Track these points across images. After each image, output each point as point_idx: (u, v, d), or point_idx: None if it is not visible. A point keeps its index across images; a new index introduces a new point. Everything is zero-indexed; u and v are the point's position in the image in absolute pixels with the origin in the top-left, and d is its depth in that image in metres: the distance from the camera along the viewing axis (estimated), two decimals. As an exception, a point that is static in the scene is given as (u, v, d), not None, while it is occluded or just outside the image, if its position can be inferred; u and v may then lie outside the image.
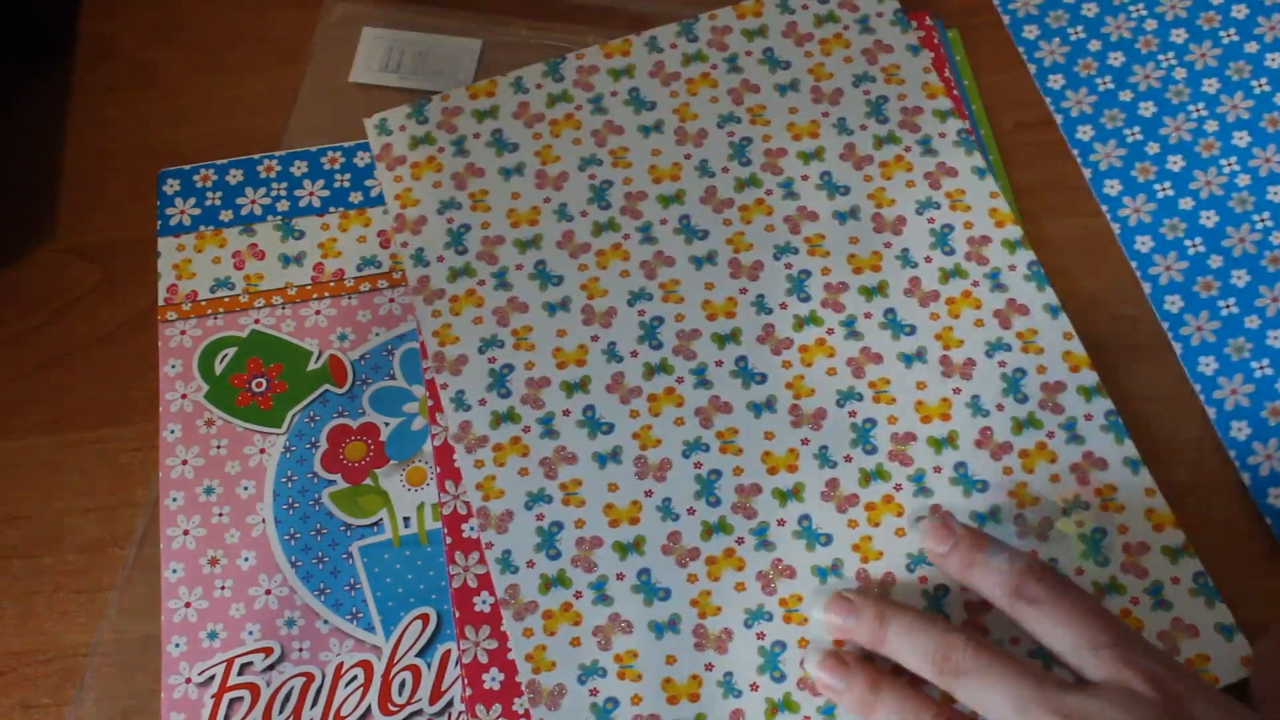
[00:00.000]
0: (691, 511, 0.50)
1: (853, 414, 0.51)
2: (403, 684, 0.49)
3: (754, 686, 0.47)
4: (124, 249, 0.58)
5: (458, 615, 0.49)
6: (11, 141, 0.61)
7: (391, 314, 0.55)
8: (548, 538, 0.50)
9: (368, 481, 0.52)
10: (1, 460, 0.55)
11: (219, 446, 0.53)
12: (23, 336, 0.57)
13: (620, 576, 0.49)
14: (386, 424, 0.53)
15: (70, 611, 0.52)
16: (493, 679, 0.48)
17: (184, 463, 0.53)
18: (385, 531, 0.52)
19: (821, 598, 0.48)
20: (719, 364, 0.52)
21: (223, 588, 0.51)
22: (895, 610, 0.46)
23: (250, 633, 0.50)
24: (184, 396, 0.54)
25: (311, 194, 0.58)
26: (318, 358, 0.55)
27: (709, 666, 0.48)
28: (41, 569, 0.53)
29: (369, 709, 0.49)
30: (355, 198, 0.58)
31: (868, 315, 0.53)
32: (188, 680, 0.49)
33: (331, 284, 0.56)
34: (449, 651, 0.49)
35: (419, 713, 0.49)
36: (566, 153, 0.57)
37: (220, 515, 0.52)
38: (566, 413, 0.52)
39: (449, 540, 0.50)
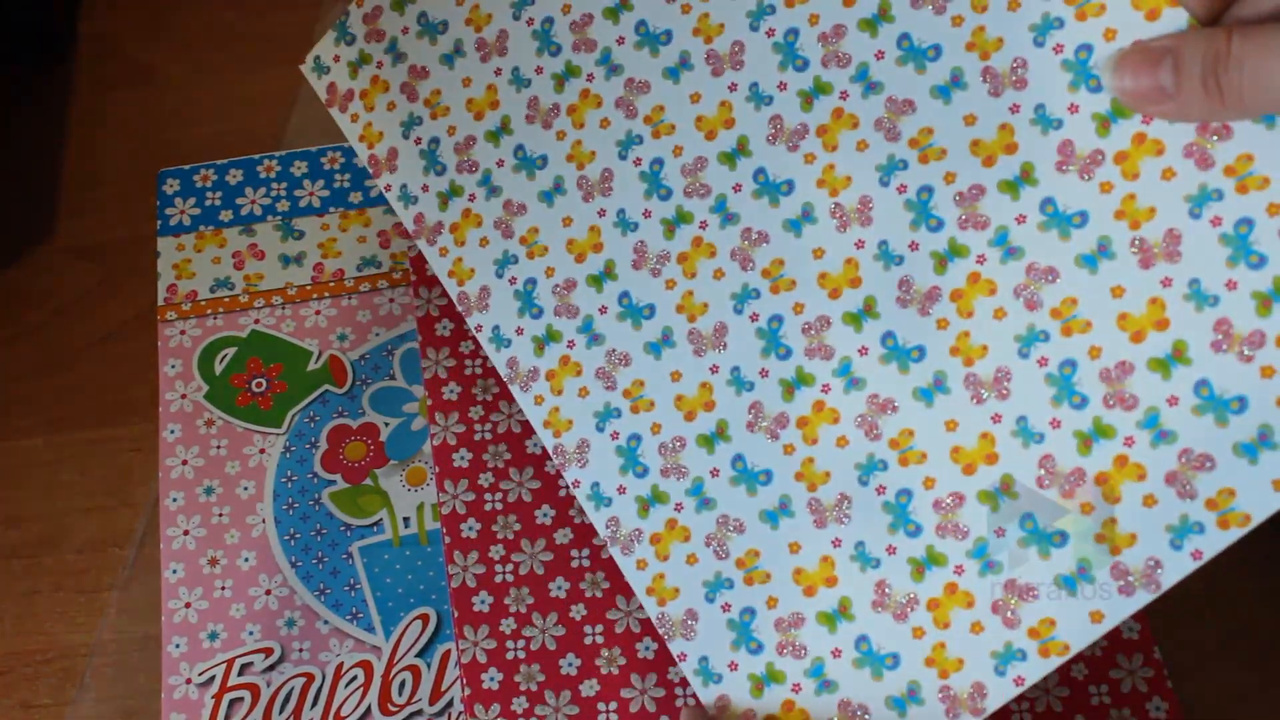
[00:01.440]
0: (765, 374, 0.43)
1: (1043, 362, 0.40)
2: (403, 684, 0.49)
3: (890, 550, 0.41)
4: (124, 249, 0.58)
5: (456, 615, 0.49)
6: (11, 141, 0.61)
7: (391, 314, 0.55)
8: (630, 455, 0.45)
9: (368, 482, 0.52)
10: (1, 460, 0.55)
11: (219, 447, 0.53)
12: (23, 336, 0.57)
13: (715, 473, 0.44)
14: (386, 424, 0.54)
15: (70, 611, 0.52)
16: (491, 679, 0.48)
17: (184, 463, 0.53)
18: (385, 532, 0.52)
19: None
20: (863, 352, 0.42)
21: (223, 588, 0.51)
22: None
23: (250, 633, 0.50)
24: (184, 396, 0.54)
25: (311, 194, 0.58)
26: (318, 358, 0.55)
27: (836, 542, 0.42)
28: (41, 569, 0.53)
29: (369, 709, 0.49)
30: (355, 198, 0.58)
31: (1021, 219, 0.40)
32: (188, 680, 0.49)
33: (331, 284, 0.56)
34: (449, 651, 0.49)
35: (419, 713, 0.49)
36: (599, 143, 0.46)
37: (220, 515, 0.52)
38: (603, 310, 0.46)
39: (448, 540, 0.50)
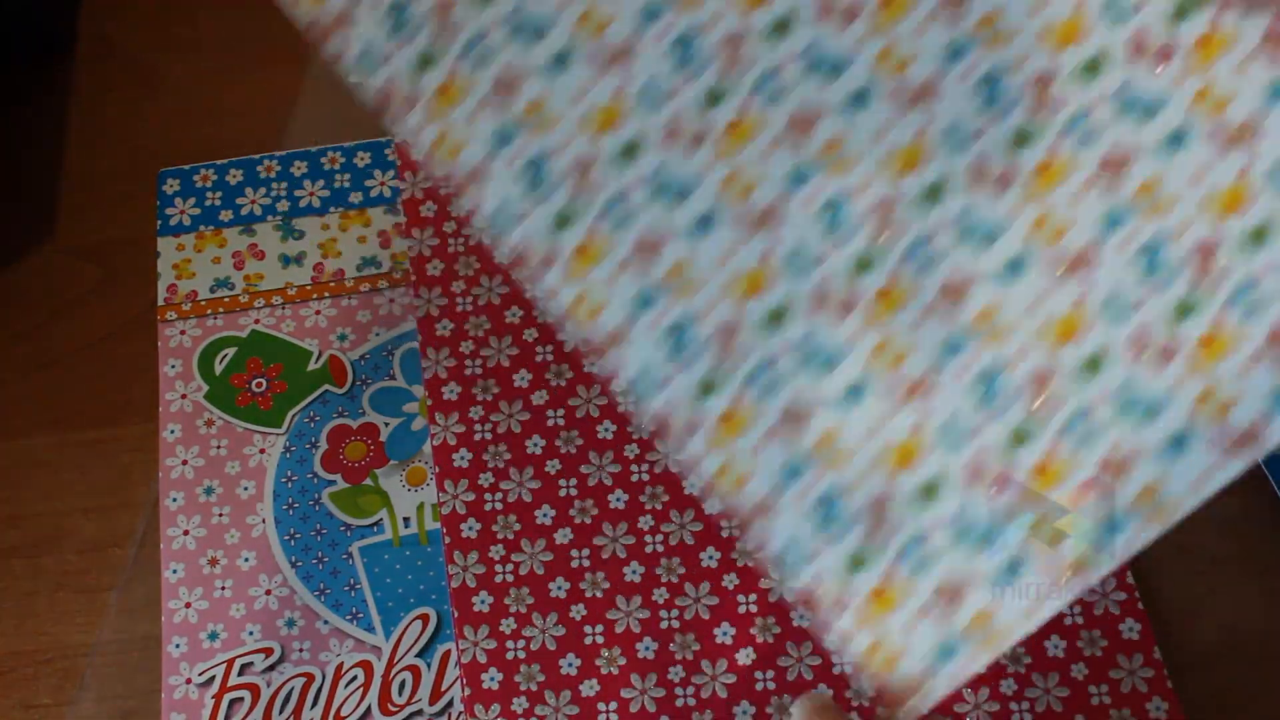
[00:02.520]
0: (825, 259, 0.40)
1: (1127, 242, 0.39)
2: (403, 684, 0.49)
3: (982, 423, 0.39)
4: (124, 249, 0.58)
5: (456, 615, 0.49)
6: (11, 141, 0.61)
7: (391, 314, 0.55)
8: (678, 341, 0.41)
9: (368, 482, 0.52)
10: (1, 460, 0.55)
11: (219, 447, 0.53)
12: (23, 336, 0.57)
13: (778, 357, 0.40)
14: (386, 424, 0.54)
15: (70, 611, 0.52)
16: (491, 679, 0.48)
17: (184, 463, 0.53)
18: (385, 532, 0.52)
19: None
20: (936, 233, 0.41)
21: (223, 588, 0.51)
22: None
23: (250, 633, 0.50)
24: (184, 397, 0.54)
25: (311, 194, 0.58)
26: (318, 358, 0.55)
27: (923, 418, 0.40)
28: (41, 569, 0.53)
29: (369, 709, 0.49)
30: (355, 198, 0.58)
31: (1095, 104, 0.39)
32: (188, 681, 0.49)
33: (331, 284, 0.56)
34: (449, 651, 0.49)
35: (419, 713, 0.49)
36: (618, 10, 0.42)
37: (220, 515, 0.52)
38: (631, 189, 0.42)
39: (448, 540, 0.50)
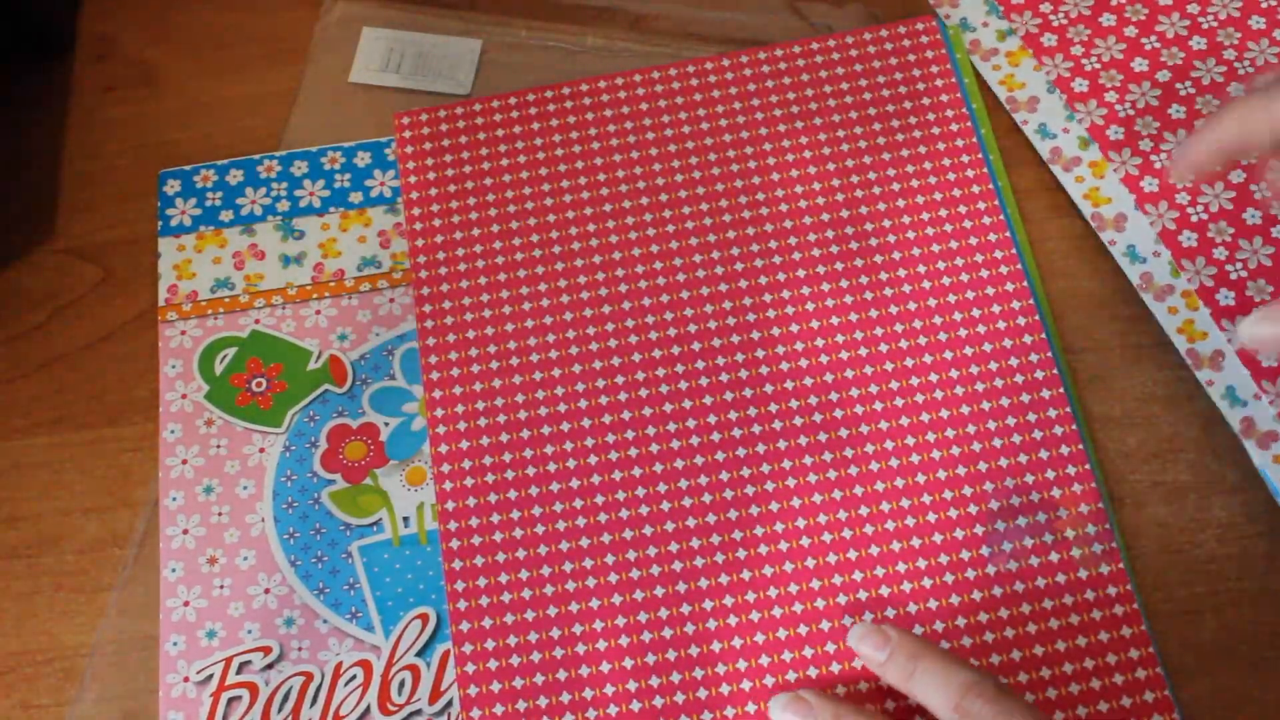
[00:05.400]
0: None
1: None
2: (402, 683, 0.49)
3: None
4: (124, 249, 0.58)
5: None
6: (11, 141, 0.61)
7: (391, 314, 0.55)
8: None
9: (367, 481, 0.53)
10: (1, 460, 0.55)
11: (219, 446, 0.53)
12: (23, 336, 0.57)
13: None
14: (386, 424, 0.54)
15: (70, 611, 0.52)
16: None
17: (184, 462, 0.53)
18: (385, 531, 0.52)
19: (859, 630, 0.47)
20: None
21: (222, 587, 0.51)
22: (926, 652, 0.45)
23: (249, 632, 0.50)
24: (184, 396, 0.54)
25: (311, 194, 0.58)
26: (318, 358, 0.55)
27: None
28: (41, 569, 0.53)
29: (368, 708, 0.49)
30: (355, 198, 0.58)
31: None
32: (186, 679, 0.49)
33: (331, 284, 0.56)
34: (448, 651, 0.49)
35: (418, 712, 0.49)
36: None
37: (220, 515, 0.52)
38: None
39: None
